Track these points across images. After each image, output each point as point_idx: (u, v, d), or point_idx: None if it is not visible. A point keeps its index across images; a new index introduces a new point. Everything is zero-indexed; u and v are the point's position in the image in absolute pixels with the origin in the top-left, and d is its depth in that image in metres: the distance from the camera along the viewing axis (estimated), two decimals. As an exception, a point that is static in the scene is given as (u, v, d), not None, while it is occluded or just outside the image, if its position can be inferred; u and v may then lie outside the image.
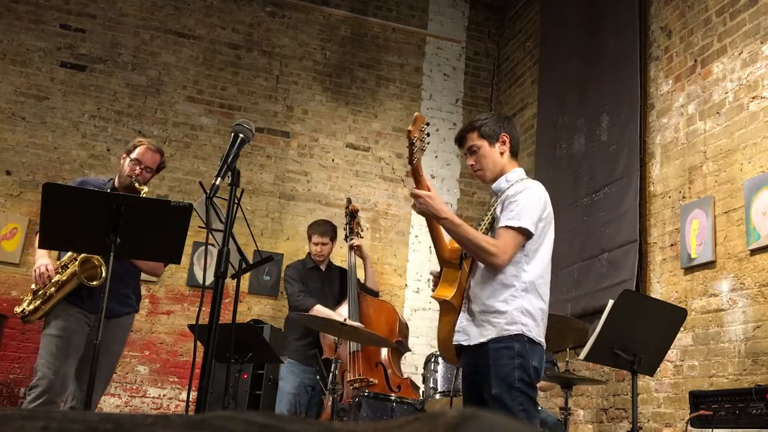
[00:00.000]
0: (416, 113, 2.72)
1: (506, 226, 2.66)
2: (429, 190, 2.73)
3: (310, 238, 4.94)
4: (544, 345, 2.71)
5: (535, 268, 2.70)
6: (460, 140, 2.94)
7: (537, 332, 2.66)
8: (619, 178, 5.12)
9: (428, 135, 2.73)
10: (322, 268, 4.93)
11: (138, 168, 3.61)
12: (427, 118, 8.04)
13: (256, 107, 6.85)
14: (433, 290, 2.91)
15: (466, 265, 2.83)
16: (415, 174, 2.71)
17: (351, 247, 4.84)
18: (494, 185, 2.87)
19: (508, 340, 2.61)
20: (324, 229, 4.90)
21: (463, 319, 2.77)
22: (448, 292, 2.79)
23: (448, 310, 2.82)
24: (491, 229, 2.78)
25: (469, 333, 2.72)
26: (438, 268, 2.93)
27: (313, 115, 7.00)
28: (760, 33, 4.18)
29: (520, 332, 2.61)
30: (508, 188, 2.79)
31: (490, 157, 2.85)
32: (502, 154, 2.86)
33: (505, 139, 2.86)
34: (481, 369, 2.66)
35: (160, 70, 6.71)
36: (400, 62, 7.37)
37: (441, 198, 2.76)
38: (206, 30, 6.92)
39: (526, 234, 2.66)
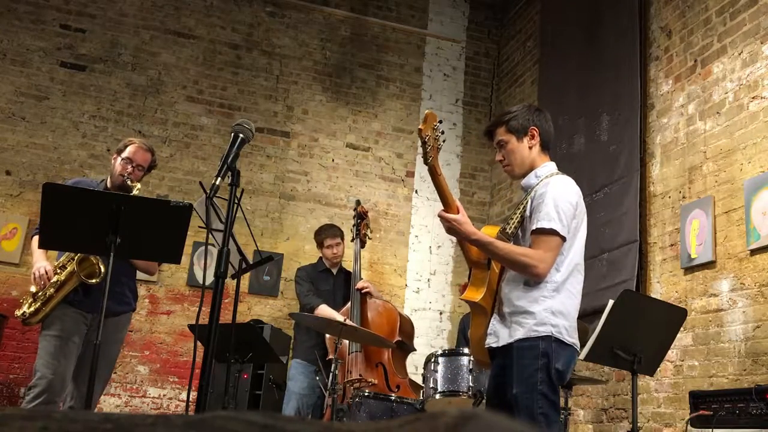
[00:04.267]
0: (427, 111, 2.62)
1: (539, 229, 2.56)
2: (451, 197, 2.63)
3: (322, 244, 4.95)
4: (577, 346, 2.62)
5: (568, 266, 2.62)
6: (489, 134, 2.84)
7: (569, 333, 2.57)
8: (619, 178, 5.12)
9: (442, 132, 2.59)
10: (334, 271, 4.95)
11: (130, 167, 3.64)
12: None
13: (256, 107, 6.85)
14: (461, 292, 2.84)
15: (495, 266, 2.74)
16: (433, 174, 2.59)
17: (360, 292, 4.70)
18: (524, 181, 2.78)
19: (535, 340, 2.53)
20: (335, 230, 4.98)
21: (494, 322, 2.69)
22: (477, 294, 2.70)
23: (479, 313, 2.74)
24: (521, 227, 2.70)
25: (499, 335, 2.65)
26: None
27: (313, 115, 7.00)
28: (760, 33, 4.18)
29: (549, 333, 2.52)
30: (538, 184, 2.69)
31: (518, 152, 2.75)
32: (531, 148, 2.75)
33: (534, 132, 2.75)
34: (507, 369, 2.58)
35: (160, 70, 6.71)
36: (400, 62, 7.37)
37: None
38: (206, 30, 6.91)
39: (560, 236, 2.55)
